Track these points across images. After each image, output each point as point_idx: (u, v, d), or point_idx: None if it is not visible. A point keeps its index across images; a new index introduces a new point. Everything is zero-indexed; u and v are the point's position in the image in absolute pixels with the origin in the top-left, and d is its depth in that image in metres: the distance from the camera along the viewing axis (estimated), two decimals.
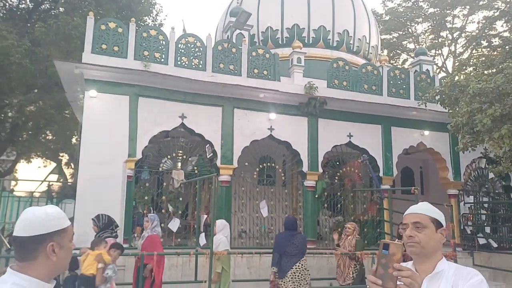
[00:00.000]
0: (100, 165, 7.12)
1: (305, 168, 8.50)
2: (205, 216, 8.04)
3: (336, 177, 9.04)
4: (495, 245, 9.27)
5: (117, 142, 7.36)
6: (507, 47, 13.11)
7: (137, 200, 7.65)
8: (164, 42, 7.96)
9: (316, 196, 8.49)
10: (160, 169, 7.95)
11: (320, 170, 8.62)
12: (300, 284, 5.21)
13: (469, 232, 9.58)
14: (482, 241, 9.27)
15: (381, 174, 8.96)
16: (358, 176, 9.13)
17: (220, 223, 5.72)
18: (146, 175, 8.00)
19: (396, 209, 8.18)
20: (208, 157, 8.16)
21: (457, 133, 6.59)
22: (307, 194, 8.51)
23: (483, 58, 10.59)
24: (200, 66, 8.11)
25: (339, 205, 8.95)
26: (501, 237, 9.77)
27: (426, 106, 8.51)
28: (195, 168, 8.05)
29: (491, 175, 9.83)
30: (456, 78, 7.71)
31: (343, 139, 8.87)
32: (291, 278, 5.19)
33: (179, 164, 8.08)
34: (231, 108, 8.19)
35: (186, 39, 8.15)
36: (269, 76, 8.56)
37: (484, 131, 5.92)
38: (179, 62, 7.98)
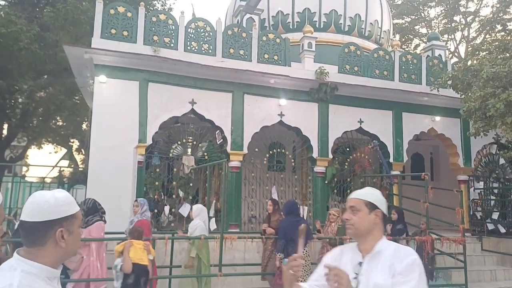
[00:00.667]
0: (111, 150, 7.17)
1: (315, 154, 8.49)
2: (215, 201, 8.12)
3: (346, 163, 9.02)
4: (503, 230, 9.26)
5: (127, 127, 7.39)
6: None
7: (148, 185, 7.72)
8: (173, 27, 7.88)
9: (326, 182, 8.51)
10: (170, 155, 7.99)
11: (330, 156, 8.60)
12: (305, 269, 5.28)
13: (478, 217, 9.57)
14: (491, 226, 9.26)
15: (391, 160, 8.93)
16: (368, 162, 9.10)
17: (196, 208, 5.64)
18: (156, 160, 8.05)
19: (406, 195, 8.18)
20: (218, 143, 8.17)
21: (469, 118, 6.50)
22: (316, 180, 8.52)
23: (497, 43, 10.32)
24: (210, 51, 8.03)
25: (348, 191, 8.94)
26: (510, 222, 9.75)
27: (438, 91, 8.38)
28: (205, 154, 8.08)
29: (501, 161, 9.75)
30: (469, 62, 7.55)
31: (353, 125, 8.82)
32: None
33: (189, 150, 8.12)
34: (241, 93, 8.14)
35: (196, 24, 8.06)
36: (280, 61, 8.47)
37: (497, 116, 5.82)
38: (188, 47, 7.92)
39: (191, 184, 8.05)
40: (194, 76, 7.84)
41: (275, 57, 8.47)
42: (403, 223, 6.65)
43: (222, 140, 8.09)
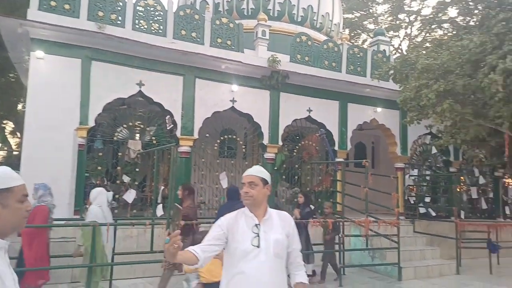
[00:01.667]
0: (48, 132, 6.71)
1: (265, 141, 8.63)
2: (163, 187, 7.95)
3: (295, 150, 9.29)
4: (433, 213, 10.18)
5: (67, 108, 6.95)
6: (454, 32, 13.88)
7: (90, 170, 7.34)
8: (121, 3, 7.48)
9: (275, 168, 8.70)
10: (115, 138, 7.64)
11: (280, 143, 8.80)
12: None
13: (412, 202, 10.42)
14: (422, 210, 10.13)
15: (336, 148, 9.35)
16: (315, 150, 9.45)
17: (94, 192, 5.27)
18: (99, 144, 7.68)
19: (348, 181, 8.64)
20: (168, 128, 7.97)
21: (405, 107, 6.94)
22: (266, 166, 8.65)
23: (436, 42, 11.14)
24: (160, 31, 7.75)
25: (296, 177, 9.26)
26: (439, 206, 10.74)
27: (379, 81, 8.83)
28: (153, 138, 7.85)
29: (434, 150, 10.64)
30: (405, 52, 8.07)
31: (303, 113, 9.08)
32: None
33: (136, 134, 7.83)
34: (192, 77, 7.99)
35: (146, 2, 7.71)
36: (233, 47, 8.41)
37: (429, 105, 6.25)
38: (137, 26, 7.57)
39: (137, 170, 7.78)
40: (142, 57, 7.53)
41: (228, 42, 8.39)
42: (309, 205, 6.91)
43: (172, 125, 7.91)
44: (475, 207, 11.31)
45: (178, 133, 7.81)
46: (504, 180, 11.98)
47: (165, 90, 7.74)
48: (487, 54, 5.21)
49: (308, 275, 6.49)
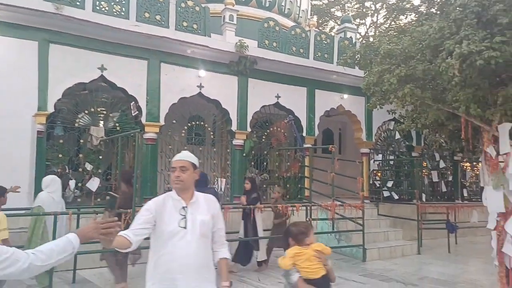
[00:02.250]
0: (3, 119, 6.38)
1: (234, 127, 8.58)
2: None
3: (264, 137, 9.31)
4: (396, 197, 10.60)
5: (24, 93, 6.61)
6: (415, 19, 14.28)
7: (50, 158, 7.03)
8: None
9: (244, 154, 8.69)
10: (77, 124, 7.34)
11: (249, 129, 8.78)
12: None
13: (377, 186, 10.79)
14: (386, 193, 10.51)
15: (304, 134, 9.45)
16: (284, 136, 9.51)
17: (47, 179, 5.23)
18: (59, 131, 7.36)
19: (316, 166, 8.79)
20: (133, 114, 7.74)
21: (368, 92, 7.07)
22: (235, 153, 8.66)
23: (400, 29, 11.39)
24: (123, 13, 7.44)
25: (265, 163, 9.31)
26: (402, 190, 11.19)
27: (344, 68, 8.93)
28: (117, 124, 7.60)
29: (397, 136, 11.02)
30: (371, 39, 8.17)
31: (271, 100, 9.08)
32: None
33: (100, 120, 7.55)
34: (157, 62, 7.77)
35: None
36: (199, 31, 8.23)
37: (390, 90, 6.36)
38: (97, 7, 7.22)
39: (100, 157, 7.53)
40: (104, 40, 7.24)
41: (194, 26, 8.19)
42: (256, 191, 6.79)
43: (137, 111, 7.68)
44: (436, 190, 11.88)
45: (143, 119, 7.62)
46: (462, 164, 12.63)
47: (129, 75, 7.49)
48: (445, 40, 5.37)
49: (258, 262, 6.47)
